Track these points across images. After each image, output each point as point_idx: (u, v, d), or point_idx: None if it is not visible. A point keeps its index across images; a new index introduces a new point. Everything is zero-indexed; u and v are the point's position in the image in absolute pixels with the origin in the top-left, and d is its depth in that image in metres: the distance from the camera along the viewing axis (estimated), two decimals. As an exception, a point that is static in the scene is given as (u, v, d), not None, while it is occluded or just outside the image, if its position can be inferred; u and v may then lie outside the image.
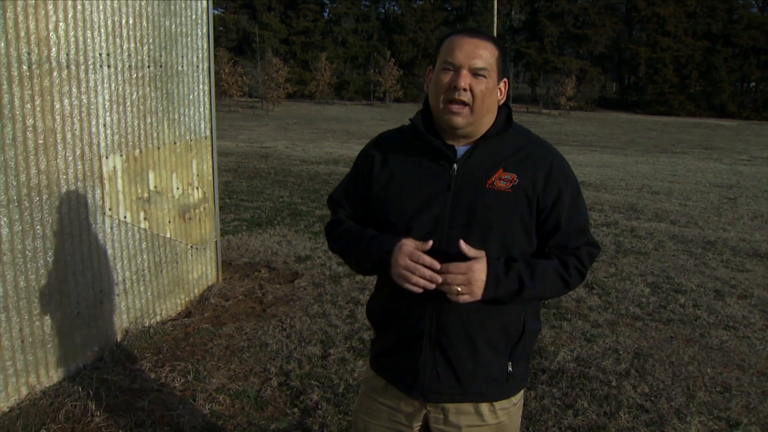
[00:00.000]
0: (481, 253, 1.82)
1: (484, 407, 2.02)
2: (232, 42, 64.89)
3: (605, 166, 18.10)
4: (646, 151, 24.78)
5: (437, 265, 1.80)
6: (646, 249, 7.91)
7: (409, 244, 1.85)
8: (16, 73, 3.52)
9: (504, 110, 1.99)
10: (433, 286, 1.81)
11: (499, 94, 1.95)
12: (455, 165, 1.92)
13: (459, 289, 1.79)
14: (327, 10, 74.40)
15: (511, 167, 1.91)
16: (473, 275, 1.79)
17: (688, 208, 11.26)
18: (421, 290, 1.82)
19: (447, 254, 1.87)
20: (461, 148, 1.94)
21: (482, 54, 1.86)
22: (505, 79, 1.96)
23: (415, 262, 1.82)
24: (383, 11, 75.65)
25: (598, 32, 65.21)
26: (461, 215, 1.90)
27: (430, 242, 1.84)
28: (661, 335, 5.13)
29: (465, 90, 1.84)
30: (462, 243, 1.81)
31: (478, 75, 1.85)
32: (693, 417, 3.88)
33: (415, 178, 1.96)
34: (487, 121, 1.94)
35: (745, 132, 40.85)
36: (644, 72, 64.78)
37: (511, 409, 2.07)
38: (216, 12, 65.02)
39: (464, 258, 1.83)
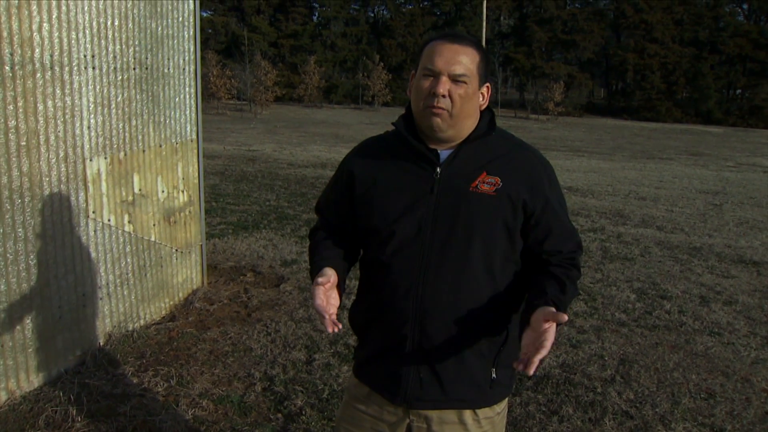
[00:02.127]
0: (561, 318, 1.69)
1: (468, 416, 2.00)
2: (221, 44, 64.71)
3: (592, 172, 18.18)
4: (633, 157, 24.92)
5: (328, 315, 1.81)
6: (632, 255, 7.93)
7: (316, 292, 1.87)
8: (-2, 74, 3.48)
9: (487, 114, 1.98)
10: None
11: (481, 99, 1.94)
12: (438, 169, 1.91)
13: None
14: (316, 14, 74.45)
15: (494, 170, 1.89)
16: (551, 342, 1.69)
17: (674, 214, 11.32)
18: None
19: (429, 258, 1.88)
20: (444, 152, 1.93)
21: (462, 60, 1.84)
22: (488, 84, 1.95)
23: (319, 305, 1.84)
24: (372, 15, 75.77)
25: (586, 38, 65.55)
26: (444, 219, 1.89)
27: (332, 279, 1.90)
28: (646, 341, 5.14)
29: (444, 96, 1.83)
30: (544, 322, 1.70)
31: (457, 81, 1.84)
32: (678, 423, 3.88)
33: (398, 183, 1.94)
34: (468, 125, 1.93)
35: (731, 138, 41.18)
36: (632, 78, 65.14)
37: (494, 418, 2.05)
38: (204, 14, 64.91)
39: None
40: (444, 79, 1.83)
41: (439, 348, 1.94)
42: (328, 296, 1.87)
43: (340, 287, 1.99)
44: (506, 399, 2.11)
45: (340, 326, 1.80)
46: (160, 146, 5.00)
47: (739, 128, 54.19)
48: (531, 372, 1.64)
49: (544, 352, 1.64)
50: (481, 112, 1.97)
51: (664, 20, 63.82)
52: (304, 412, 3.83)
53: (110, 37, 4.33)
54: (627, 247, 8.33)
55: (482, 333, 1.95)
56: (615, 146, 31.13)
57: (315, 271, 1.97)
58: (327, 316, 1.80)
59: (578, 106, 63.65)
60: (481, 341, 1.96)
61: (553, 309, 1.74)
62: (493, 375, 1.99)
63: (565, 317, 1.69)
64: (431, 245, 1.89)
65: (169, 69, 5.04)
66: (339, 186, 2.08)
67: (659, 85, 62.37)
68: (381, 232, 1.95)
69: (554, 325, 1.71)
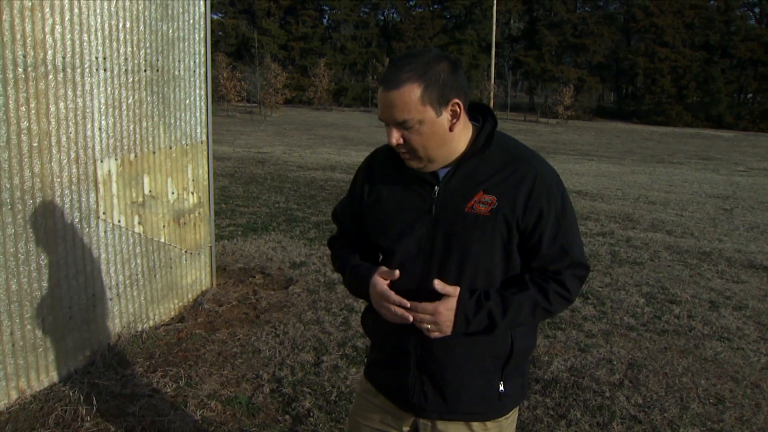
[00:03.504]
0: (455, 291, 1.82)
1: (475, 423, 2.00)
2: (231, 47, 64.96)
3: (602, 176, 18.12)
4: (643, 161, 24.82)
5: (406, 303, 1.84)
6: (641, 259, 7.91)
7: (379, 283, 1.89)
8: (11, 76, 3.51)
9: (488, 125, 1.91)
10: (410, 320, 1.85)
11: (452, 118, 1.82)
12: (436, 188, 1.89)
13: (429, 326, 1.83)
14: (326, 17, 74.60)
15: (491, 189, 1.84)
16: (440, 317, 1.81)
17: (684, 218, 11.27)
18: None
19: (428, 276, 1.88)
20: (443, 170, 1.89)
21: (398, 104, 1.76)
22: (455, 100, 1.80)
23: (386, 302, 1.86)
24: (382, 18, 75.84)
25: (596, 42, 65.37)
26: (441, 239, 1.88)
27: (396, 272, 1.88)
28: (655, 346, 5.12)
29: (399, 144, 1.83)
30: (436, 281, 1.82)
31: (404, 127, 1.79)
32: (686, 429, 3.86)
33: (399, 201, 1.95)
34: (449, 149, 1.87)
35: (741, 143, 40.96)
36: (642, 82, 64.88)
37: (503, 422, 2.04)
38: (215, 17, 65.13)
39: (445, 278, 1.86)
40: (392, 129, 1.81)
41: (441, 365, 1.95)
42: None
43: None
44: (516, 407, 2.10)
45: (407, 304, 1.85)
46: (171, 148, 5.03)
47: (750, 132, 53.89)
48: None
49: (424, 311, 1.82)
50: (482, 125, 1.91)
51: (675, 24, 63.56)
52: (311, 414, 3.83)
53: (122, 39, 4.36)
54: (636, 252, 8.30)
55: (484, 351, 1.94)
56: (625, 150, 31.03)
57: (363, 275, 1.97)
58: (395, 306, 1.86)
59: (588, 109, 63.41)
60: (484, 359, 1.95)
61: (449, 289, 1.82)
62: (501, 388, 1.98)
63: (438, 284, 1.81)
64: (430, 264, 1.89)
65: (179, 71, 5.06)
66: (353, 198, 2.11)
67: (669, 89, 62.08)
68: (383, 249, 1.99)
69: (442, 305, 1.81)
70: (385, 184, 1.99)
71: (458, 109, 1.81)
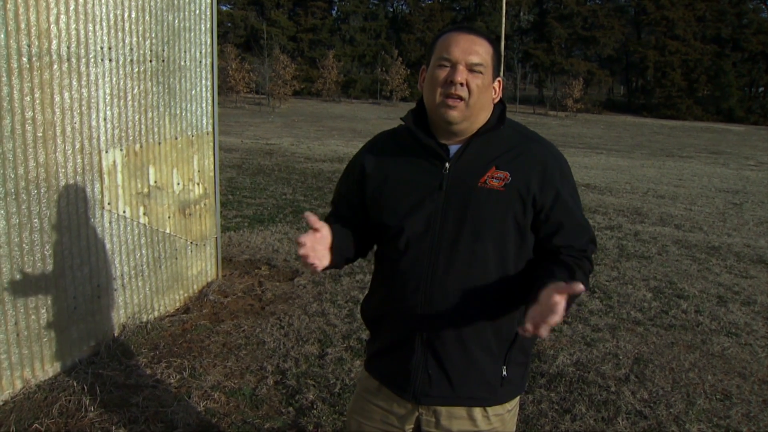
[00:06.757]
0: (576, 287, 1.60)
1: (477, 412, 1.99)
2: (240, 38, 64.97)
3: (611, 169, 18.04)
4: (653, 155, 24.70)
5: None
6: (649, 253, 7.86)
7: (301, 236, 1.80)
8: (15, 65, 3.50)
9: (498, 107, 1.96)
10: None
11: (493, 93, 1.92)
12: (447, 164, 1.89)
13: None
14: (335, 8, 74.49)
15: (503, 165, 1.87)
16: (557, 317, 1.60)
17: (693, 212, 11.21)
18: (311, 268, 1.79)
19: (438, 254, 1.86)
20: (454, 147, 1.91)
21: (478, 50, 1.83)
22: (499, 79, 1.93)
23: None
24: (391, 10, 75.68)
25: (606, 34, 65.03)
26: (453, 214, 1.87)
27: (323, 230, 1.82)
28: (662, 341, 5.09)
29: (462, 85, 1.81)
30: (555, 294, 1.60)
31: (474, 71, 1.82)
32: (692, 424, 3.84)
33: (408, 179, 1.93)
34: (481, 118, 1.90)
35: (752, 137, 40.72)
36: (652, 75, 64.52)
37: (505, 415, 2.03)
38: (224, 8, 65.14)
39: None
40: (461, 68, 1.82)
41: (448, 344, 1.93)
42: (314, 240, 1.80)
43: (334, 253, 1.89)
44: (518, 397, 2.09)
45: (318, 269, 1.79)
46: (176, 138, 5.02)
47: (761, 126, 53.55)
48: (544, 334, 1.58)
49: (556, 318, 1.57)
50: (493, 106, 1.95)
51: (686, 17, 63.15)
52: (315, 406, 3.83)
53: (127, 29, 4.34)
54: (644, 246, 8.25)
55: (491, 331, 1.93)
56: (634, 144, 30.89)
57: None
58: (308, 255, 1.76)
59: (597, 103, 63.17)
60: (490, 338, 1.94)
61: (564, 283, 1.64)
62: (504, 373, 1.98)
63: (581, 286, 1.58)
64: (440, 242, 1.87)
65: (185, 62, 5.04)
66: (350, 180, 2.08)
67: (680, 83, 61.70)
68: (390, 229, 1.94)
69: (564, 299, 1.59)
70: (392, 164, 1.98)
71: (498, 88, 1.94)
